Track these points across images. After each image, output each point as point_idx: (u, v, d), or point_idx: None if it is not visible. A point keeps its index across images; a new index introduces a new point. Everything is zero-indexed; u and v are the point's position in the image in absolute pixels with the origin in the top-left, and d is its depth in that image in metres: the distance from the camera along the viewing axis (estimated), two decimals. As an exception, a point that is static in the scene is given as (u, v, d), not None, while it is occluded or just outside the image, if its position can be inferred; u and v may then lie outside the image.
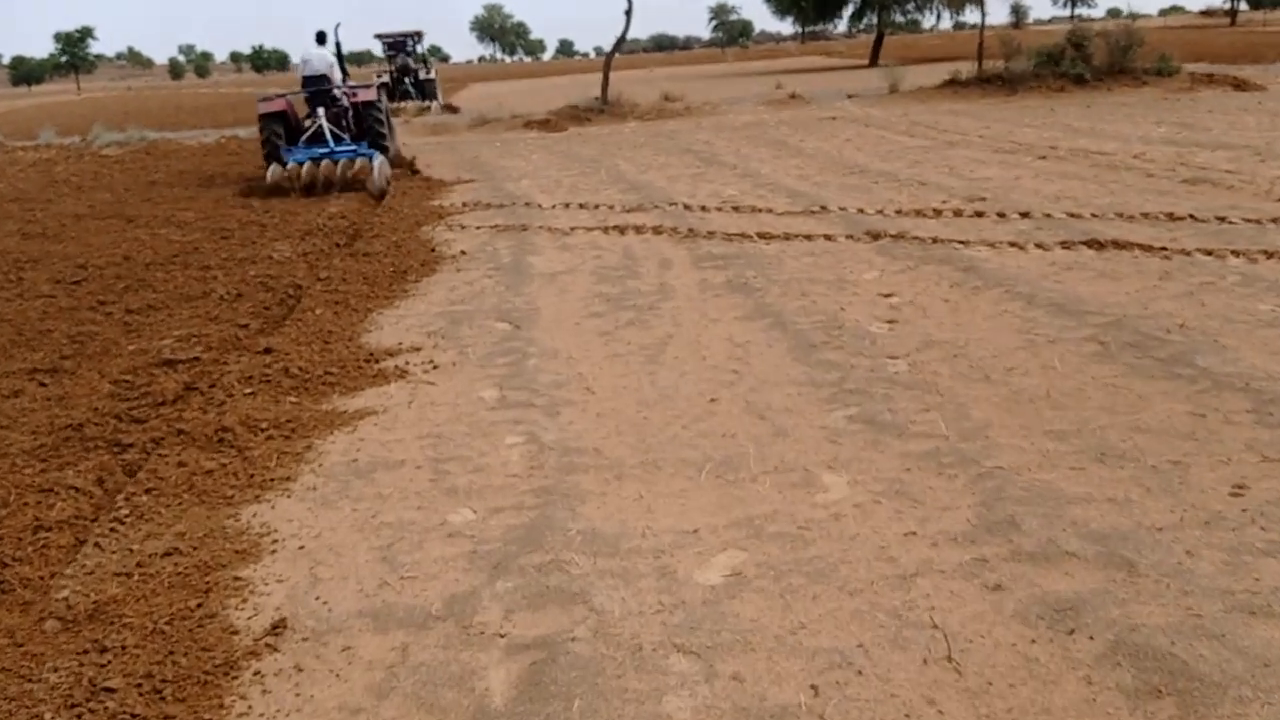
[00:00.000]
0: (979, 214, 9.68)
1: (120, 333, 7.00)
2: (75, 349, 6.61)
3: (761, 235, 9.37)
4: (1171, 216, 8.91)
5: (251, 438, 4.76)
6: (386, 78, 30.04)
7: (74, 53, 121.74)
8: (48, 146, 24.13)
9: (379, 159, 14.43)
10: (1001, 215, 9.53)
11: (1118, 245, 7.92)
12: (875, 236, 8.89)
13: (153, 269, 9.25)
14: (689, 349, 5.96)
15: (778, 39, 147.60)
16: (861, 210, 10.34)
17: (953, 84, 24.40)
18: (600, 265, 8.64)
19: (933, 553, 3.40)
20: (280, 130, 15.08)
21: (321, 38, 15.70)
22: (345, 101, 15.52)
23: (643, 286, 7.70)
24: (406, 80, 30.99)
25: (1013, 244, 8.24)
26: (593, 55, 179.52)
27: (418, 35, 32.52)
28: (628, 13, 24.79)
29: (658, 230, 10.02)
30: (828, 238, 9.08)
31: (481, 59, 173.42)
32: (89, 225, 12.19)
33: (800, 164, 14.56)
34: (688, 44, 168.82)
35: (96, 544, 3.81)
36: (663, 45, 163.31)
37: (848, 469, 4.12)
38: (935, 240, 8.57)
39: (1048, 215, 9.36)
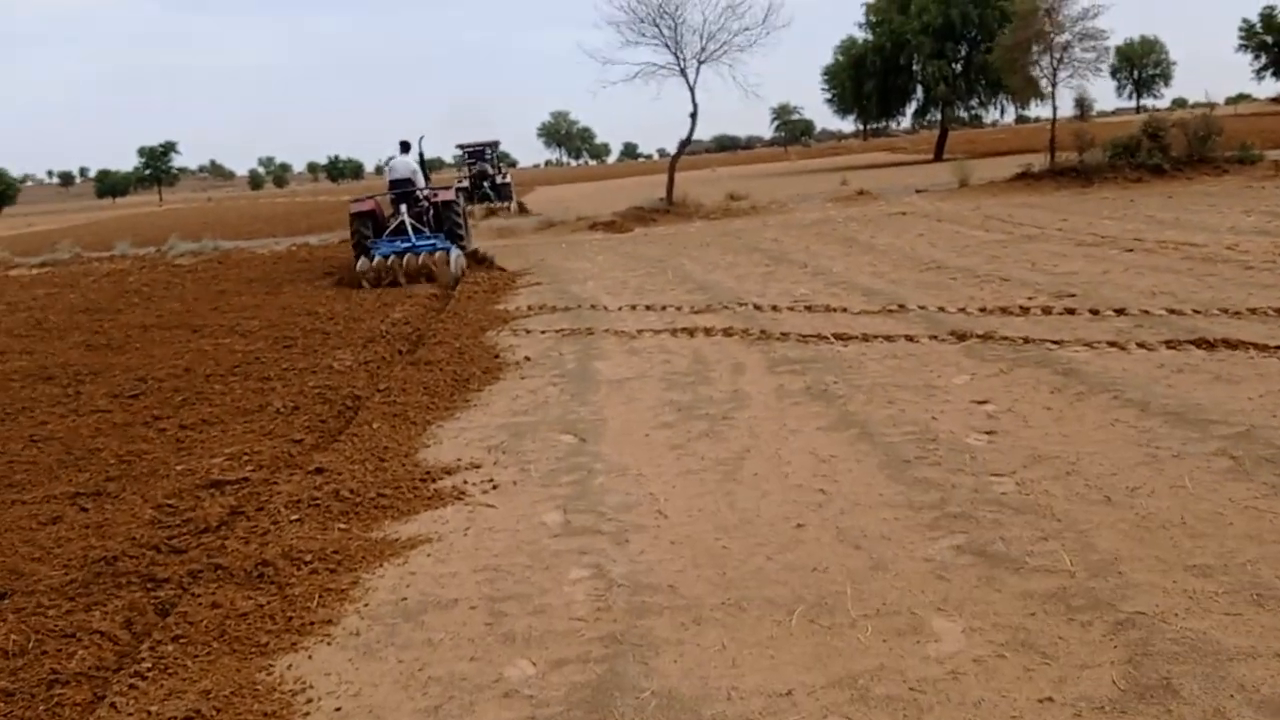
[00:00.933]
0: (1070, 311, 9.13)
1: (171, 451, 6.72)
2: (122, 470, 6.32)
3: (838, 336, 8.91)
4: (1282, 311, 8.29)
5: (294, 572, 4.36)
6: (467, 182, 32.54)
7: (157, 166, 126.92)
8: (123, 257, 24.65)
9: (455, 251, 16.27)
10: (1095, 313, 8.96)
11: (1229, 345, 7.31)
12: (961, 337, 8.38)
13: (212, 381, 9.05)
14: (769, 465, 5.48)
15: (839, 136, 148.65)
16: (942, 309, 9.84)
17: (1025, 177, 23.96)
18: (669, 370, 8.23)
19: (1076, 725, 2.84)
20: (369, 228, 16.76)
21: (406, 146, 17.58)
22: (426, 203, 17.35)
23: (715, 394, 7.26)
24: (485, 184, 33.27)
25: (1112, 344, 7.66)
26: (656, 157, 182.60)
27: (495, 144, 35.12)
28: (693, 115, 24.93)
29: (728, 332, 9.62)
30: (909, 339, 8.58)
31: (548, 163, 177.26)
32: (154, 336, 12.14)
33: (873, 261, 14.13)
34: (750, 144, 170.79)
35: (113, 704, 3.40)
36: (725, 145, 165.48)
37: (961, 613, 3.58)
38: (1026, 340, 8.03)
39: (1145, 312, 8.78)
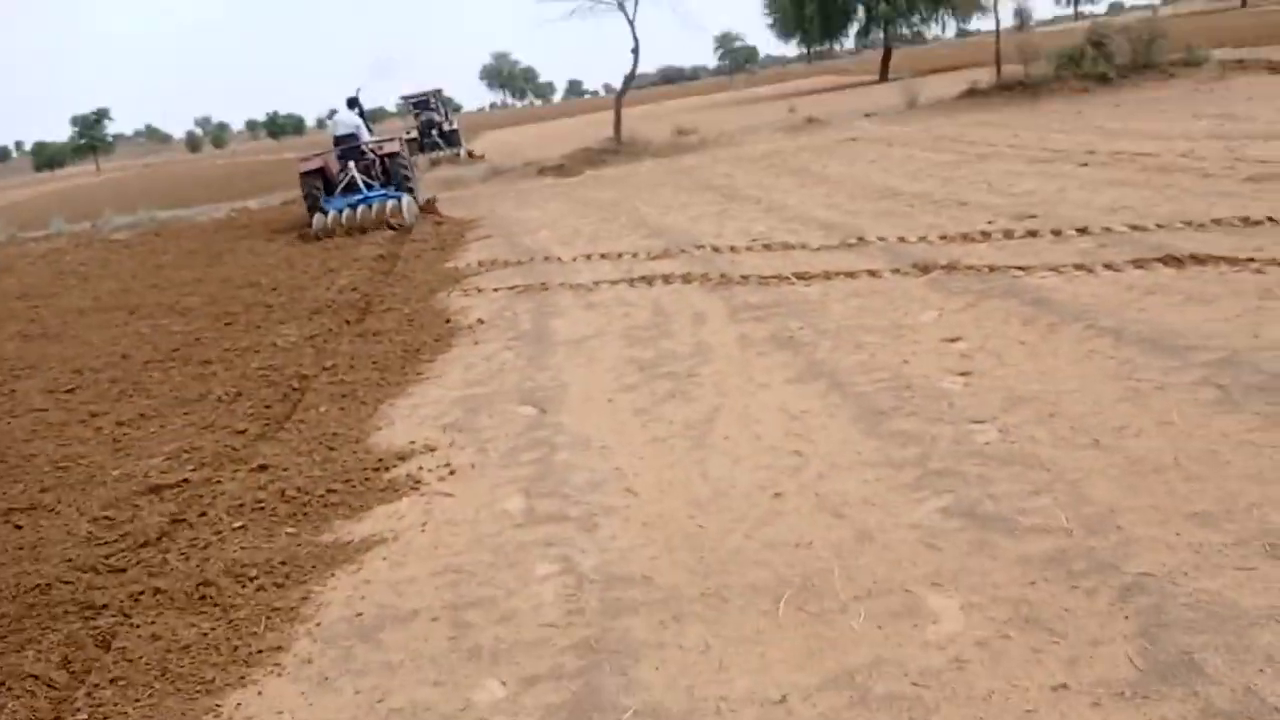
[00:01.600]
0: (1032, 234, 8.89)
1: (109, 453, 6.34)
2: (58, 478, 5.95)
3: (799, 276, 8.63)
4: (1247, 221, 8.08)
5: (238, 591, 4.05)
6: (415, 132, 33.14)
7: (91, 135, 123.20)
8: (59, 235, 23.79)
9: (407, 199, 16.88)
10: (1057, 233, 8.73)
11: (1198, 260, 7.10)
12: (924, 269, 8.13)
13: (150, 368, 8.64)
14: (739, 425, 5.22)
15: (783, 62, 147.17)
16: (903, 239, 9.58)
17: (972, 93, 23.65)
18: (629, 325, 7.93)
19: None
20: (319, 185, 17.32)
21: (353, 103, 18.45)
22: (372, 155, 17.76)
23: (678, 348, 6.97)
24: (433, 133, 33.65)
25: (1079, 267, 7.44)
26: (602, 93, 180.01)
27: (438, 92, 35.71)
28: (634, 50, 24.30)
29: (687, 278, 9.31)
30: (872, 274, 8.32)
31: (492, 105, 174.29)
32: (91, 320, 11.64)
33: (827, 192, 13.82)
34: (694, 74, 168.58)
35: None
36: (670, 78, 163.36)
37: (957, 587, 3.35)
38: (991, 269, 7.80)
39: (1108, 230, 8.56)
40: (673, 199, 15.65)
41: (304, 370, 7.76)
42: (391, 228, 15.91)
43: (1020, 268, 7.68)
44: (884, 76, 50.99)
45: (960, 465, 4.28)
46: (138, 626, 3.85)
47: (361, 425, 6.24)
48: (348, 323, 9.61)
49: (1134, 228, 8.47)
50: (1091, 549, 3.45)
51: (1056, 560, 3.42)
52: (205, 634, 3.75)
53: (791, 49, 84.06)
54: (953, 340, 6.14)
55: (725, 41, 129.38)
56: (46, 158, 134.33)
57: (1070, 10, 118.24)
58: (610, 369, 6.74)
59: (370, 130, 18.80)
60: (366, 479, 5.23)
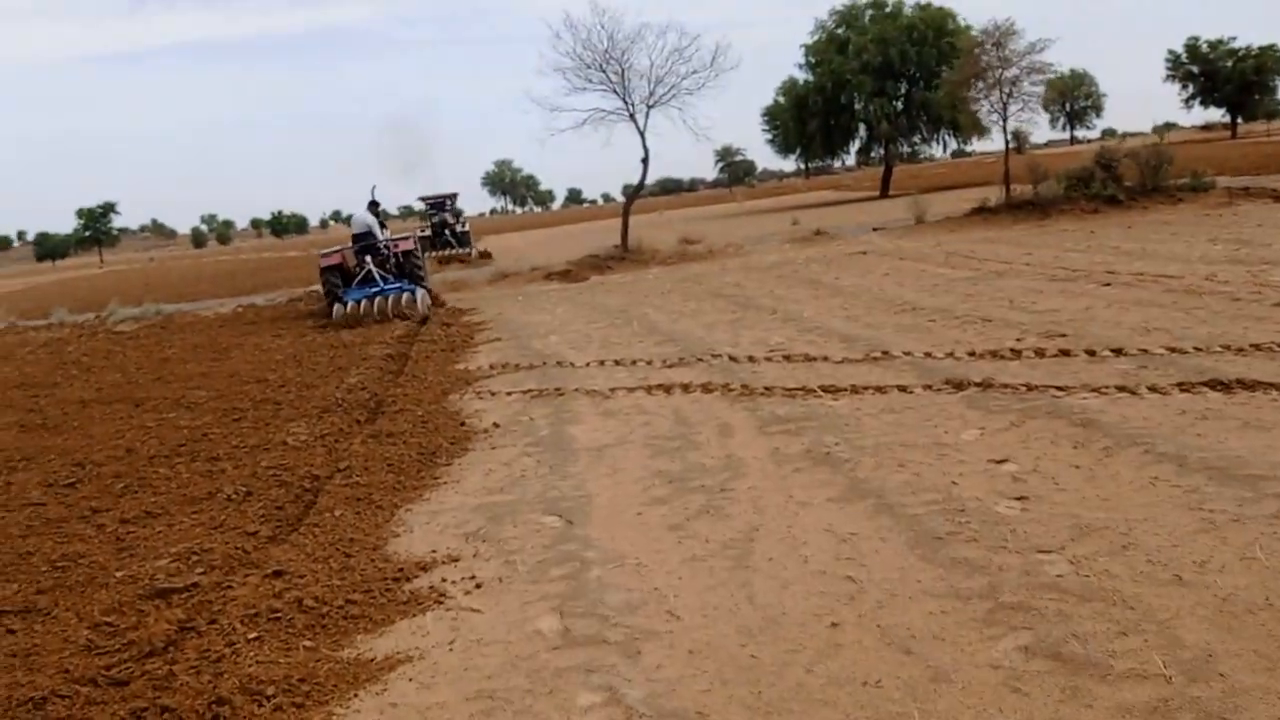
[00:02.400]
0: (1064, 353, 8.72)
1: (111, 552, 6.02)
2: (56, 578, 5.61)
3: (826, 389, 8.42)
4: (1287, 346, 7.94)
5: (254, 712, 3.72)
6: (429, 231, 36.20)
7: (96, 227, 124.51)
8: (60, 325, 23.62)
9: (420, 292, 18.58)
10: (1091, 354, 8.56)
11: (1245, 386, 6.91)
12: (958, 386, 7.93)
13: (156, 463, 8.34)
14: (783, 546, 4.93)
15: (780, 176, 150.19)
16: (929, 354, 9.41)
17: (980, 211, 23.85)
18: (651, 434, 7.68)
19: None
20: (338, 279, 18.70)
21: (373, 206, 19.68)
22: (387, 251, 19.18)
23: (706, 460, 6.71)
24: (446, 232, 36.40)
25: (1122, 389, 7.24)
26: (600, 203, 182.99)
27: (454, 196, 39.00)
28: (644, 160, 24.55)
29: (707, 388, 9.09)
30: (902, 389, 8.12)
31: (493, 211, 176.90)
32: (94, 413, 11.36)
33: (844, 303, 13.73)
34: (693, 186, 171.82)
35: None
36: (669, 189, 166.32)
37: (1054, 739, 3.04)
38: (1029, 388, 7.59)
39: (1144, 351, 8.39)
40: (683, 306, 15.56)
41: (316, 470, 7.47)
42: (404, 318, 17.10)
43: (1059, 388, 7.48)
44: (884, 192, 51.81)
45: (1035, 599, 3.99)
46: (141, 755, 3.51)
47: (379, 531, 5.94)
48: (359, 422, 9.36)
49: (1172, 350, 8.30)
50: (1197, 699, 3.15)
51: (1160, 711, 3.12)
52: (217, 766, 3.40)
53: (789, 164, 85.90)
54: (1000, 461, 5.90)
55: (726, 154, 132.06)
56: (49, 248, 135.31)
57: (1066, 134, 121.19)
58: (636, 480, 6.47)
59: (384, 228, 20.03)
60: (387, 590, 4.92)
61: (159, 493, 7.33)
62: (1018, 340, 9.57)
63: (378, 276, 18.59)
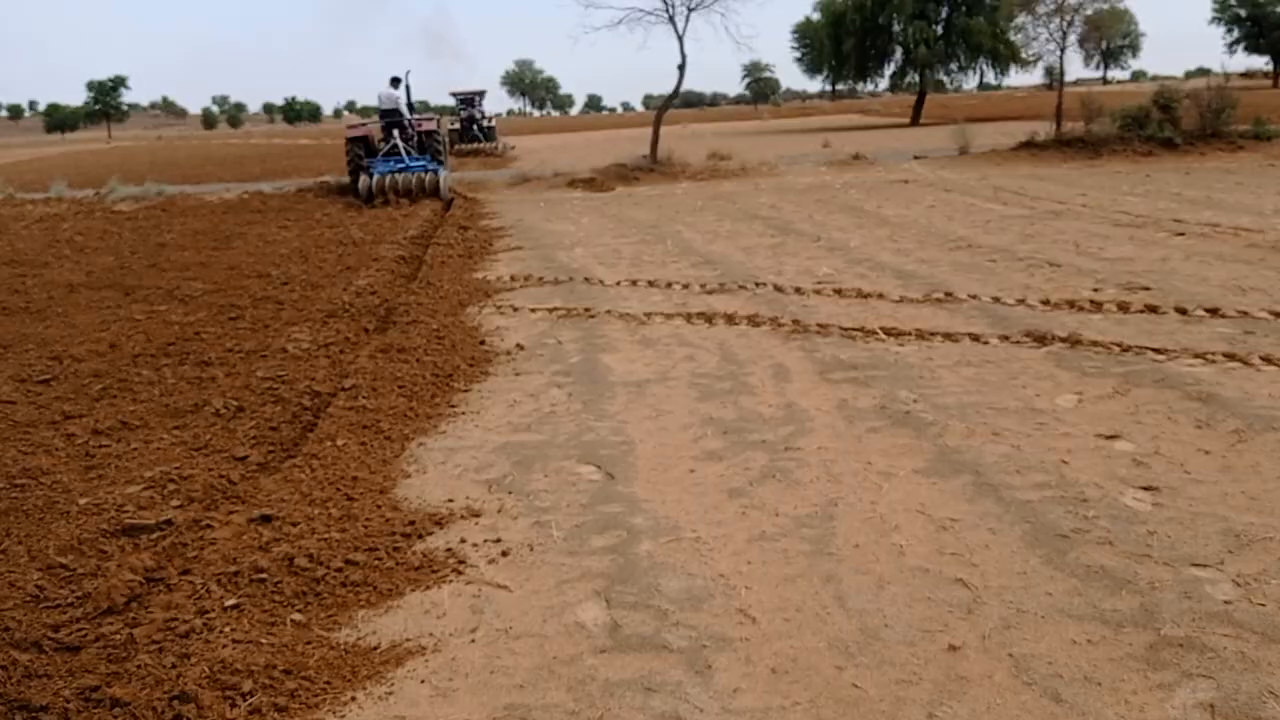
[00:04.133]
0: (1151, 309, 7.84)
1: (78, 470, 5.23)
2: (12, 500, 4.83)
3: (888, 332, 7.57)
4: None
5: (224, 713, 2.94)
6: (458, 124, 39.90)
7: (106, 101, 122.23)
8: (59, 200, 22.64)
9: (444, 172, 19.30)
10: (1183, 312, 7.68)
11: (1378, 362, 6.06)
12: (1040, 339, 7.06)
13: (140, 363, 7.54)
14: (870, 530, 4.12)
15: (804, 96, 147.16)
16: (998, 299, 8.53)
17: (1029, 146, 22.66)
18: (696, 370, 6.85)
19: None
20: (362, 151, 19.59)
21: (395, 81, 20.10)
22: (411, 129, 19.86)
23: (763, 409, 5.88)
24: (474, 127, 40.10)
25: (1230, 356, 6.38)
26: (619, 110, 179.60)
27: (482, 93, 42.44)
28: (681, 66, 23.31)
29: (754, 320, 8.24)
30: (975, 338, 7.26)
31: (511, 112, 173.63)
32: (81, 298, 10.53)
33: (890, 235, 12.78)
34: (714, 100, 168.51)
35: None
36: (691, 102, 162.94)
37: None
38: (1122, 348, 6.73)
39: (1244, 313, 7.52)
40: (717, 226, 14.60)
41: (317, 386, 6.66)
42: (426, 196, 18.38)
43: (1158, 350, 6.61)
44: (915, 120, 50.26)
45: (1205, 634, 3.19)
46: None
47: (386, 469, 5.14)
48: (367, 330, 8.53)
49: (1276, 314, 7.42)
50: None
51: None
52: (171, 801, 2.63)
53: (814, 84, 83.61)
54: (1110, 437, 5.06)
55: (753, 70, 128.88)
56: (59, 120, 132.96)
57: (1098, 73, 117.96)
58: (684, 427, 5.65)
59: (413, 109, 20.59)
60: (396, 548, 4.13)
61: (139, 400, 6.53)
62: (1094, 290, 8.68)
63: (403, 150, 19.28)
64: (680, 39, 22.85)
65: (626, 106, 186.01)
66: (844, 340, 7.41)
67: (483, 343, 8.04)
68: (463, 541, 4.19)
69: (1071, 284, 9.02)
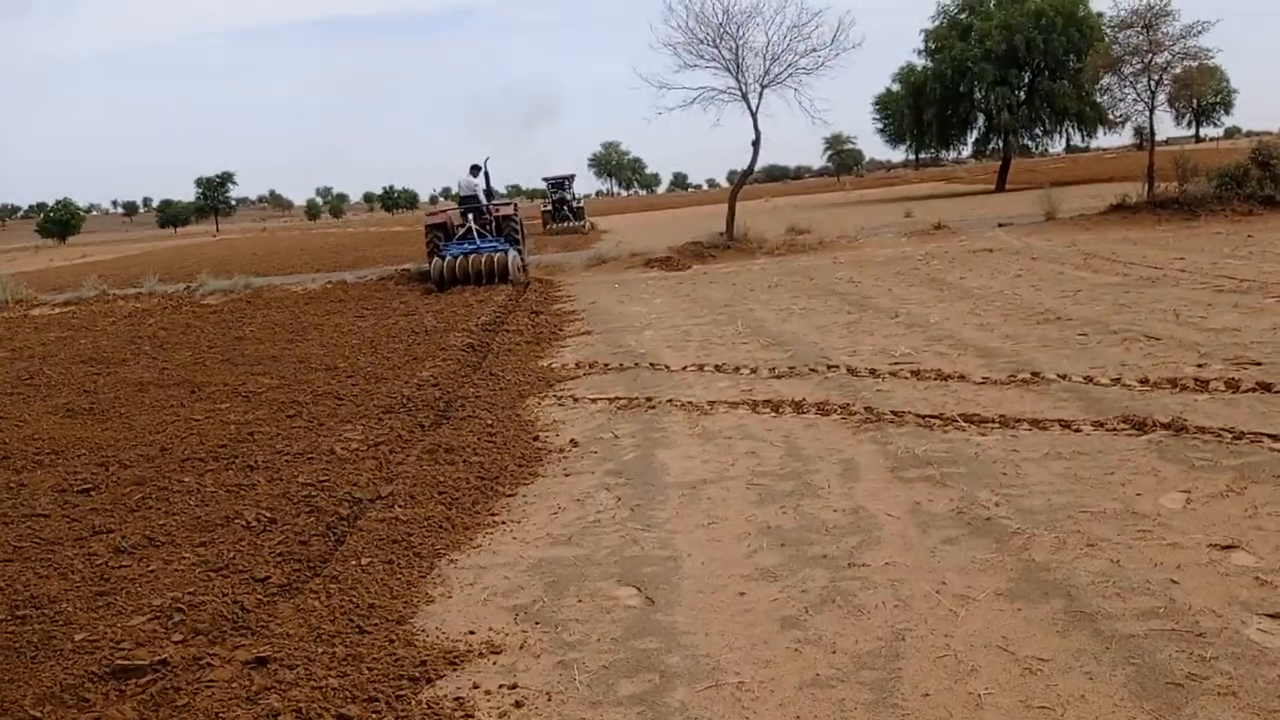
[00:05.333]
0: (1265, 387, 7.09)
1: (88, 598, 4.91)
2: (9, 635, 4.51)
3: (969, 419, 6.96)
4: None
5: None
6: (550, 205, 45.11)
7: (214, 196, 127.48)
8: (150, 295, 23.15)
9: (513, 253, 19.51)
10: (1303, 390, 6.93)
11: None
12: (1139, 426, 6.38)
13: (186, 469, 7.30)
14: (943, 674, 3.54)
15: (887, 166, 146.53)
16: (1090, 379, 7.86)
17: (1119, 209, 21.74)
18: (757, 468, 6.33)
19: None
20: (441, 236, 20.23)
21: (475, 170, 20.82)
22: (489, 215, 20.48)
23: (827, 514, 5.33)
24: (564, 207, 44.54)
25: (1363, 443, 5.64)
26: (705, 187, 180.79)
27: (571, 176, 47.44)
28: (755, 142, 23.03)
29: (823, 408, 7.69)
30: (1066, 425, 6.61)
31: (599, 193, 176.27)
32: (147, 398, 10.45)
33: (974, 308, 12.14)
34: (798, 174, 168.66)
35: None
36: (774, 175, 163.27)
37: None
38: (1234, 435, 6.02)
39: (1373, 390, 6.74)
40: (792, 304, 14.12)
41: (358, 492, 6.30)
42: (496, 280, 18.81)
43: (1275, 437, 5.89)
44: (1000, 186, 49.30)
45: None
46: None
47: (409, 592, 4.71)
48: (422, 426, 8.21)
49: None
50: None
51: None
52: None
53: (897, 154, 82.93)
54: (1227, 548, 4.40)
55: (835, 143, 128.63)
56: (171, 215, 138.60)
57: (1189, 131, 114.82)
58: (739, 536, 5.13)
59: (492, 194, 21.34)
60: (399, 696, 3.66)
61: (173, 511, 6.24)
62: (1199, 367, 7.96)
63: (475, 233, 19.86)
64: (754, 115, 22.60)
65: (711, 183, 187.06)
66: (920, 430, 6.82)
67: (537, 438, 7.64)
68: (475, 688, 3.72)
69: (1172, 359, 8.30)
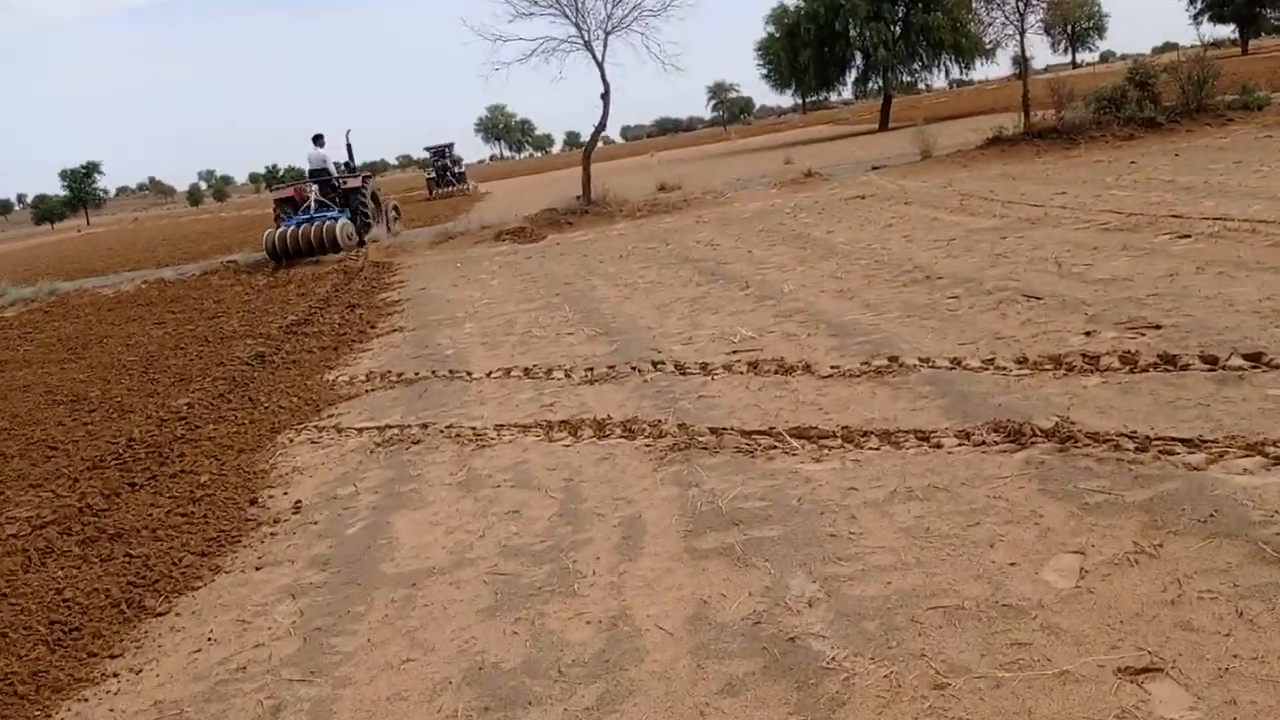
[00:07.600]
0: (1168, 360, 5.60)
1: None
2: None
3: (803, 436, 5.35)
4: None
5: None
6: (433, 172, 50.35)
7: (80, 188, 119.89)
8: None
9: (343, 220, 19.36)
10: (1212, 362, 5.45)
11: None
12: (1014, 437, 4.81)
13: None
14: None
15: (778, 112, 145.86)
16: (957, 362, 6.31)
17: (996, 142, 20.50)
18: (511, 543, 4.62)
19: None
20: (289, 211, 19.99)
21: (318, 140, 20.61)
22: (338, 184, 20.29)
23: (574, 633, 3.64)
24: (447, 174, 49.48)
25: (1305, 448, 4.14)
26: (600, 145, 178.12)
27: (450, 145, 51.98)
28: (604, 95, 21.14)
29: (630, 428, 6.02)
30: (922, 438, 5.04)
31: (491, 158, 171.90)
32: None
33: (836, 269, 10.60)
34: (690, 125, 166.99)
35: None
36: (666, 128, 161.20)
37: None
38: (1137, 443, 4.47)
39: (1304, 359, 5.28)
40: (639, 276, 12.43)
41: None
42: (330, 251, 18.83)
43: (1189, 444, 4.36)
44: (884, 125, 48.39)
45: None
46: None
47: None
48: (116, 495, 6.30)
49: (1349, 358, 5.20)
50: None
51: None
52: None
53: (787, 99, 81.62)
54: (1141, 673, 2.81)
55: (718, 91, 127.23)
56: (45, 211, 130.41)
57: (1066, 59, 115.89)
58: (432, 691, 3.41)
59: (351, 168, 21.29)
60: None
61: None
62: (1087, 335, 6.47)
63: (313, 205, 19.55)
64: (600, 65, 20.72)
65: (607, 140, 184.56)
66: (738, 459, 5.17)
67: (255, 501, 5.82)
68: None
69: (1055, 326, 6.81)
